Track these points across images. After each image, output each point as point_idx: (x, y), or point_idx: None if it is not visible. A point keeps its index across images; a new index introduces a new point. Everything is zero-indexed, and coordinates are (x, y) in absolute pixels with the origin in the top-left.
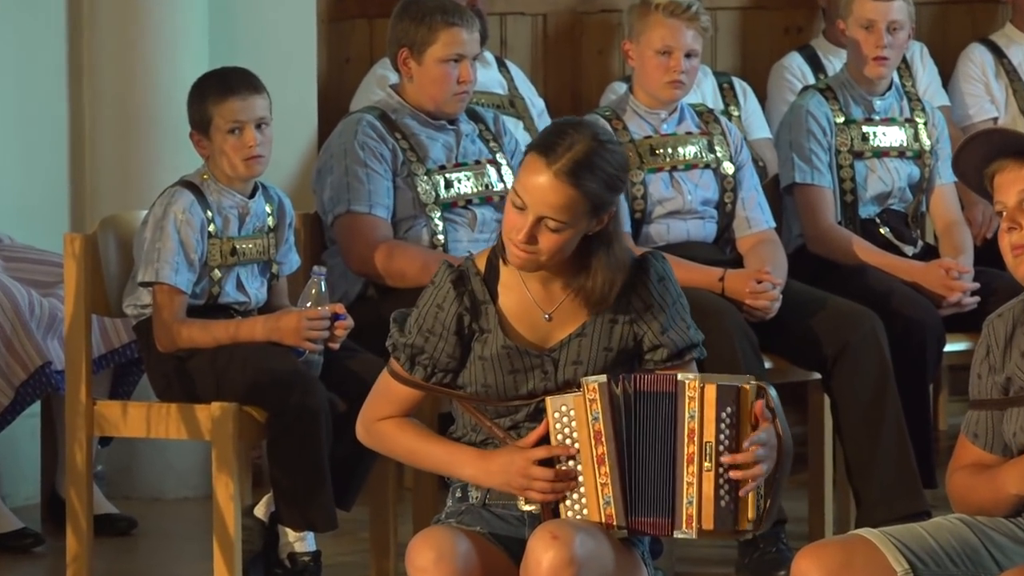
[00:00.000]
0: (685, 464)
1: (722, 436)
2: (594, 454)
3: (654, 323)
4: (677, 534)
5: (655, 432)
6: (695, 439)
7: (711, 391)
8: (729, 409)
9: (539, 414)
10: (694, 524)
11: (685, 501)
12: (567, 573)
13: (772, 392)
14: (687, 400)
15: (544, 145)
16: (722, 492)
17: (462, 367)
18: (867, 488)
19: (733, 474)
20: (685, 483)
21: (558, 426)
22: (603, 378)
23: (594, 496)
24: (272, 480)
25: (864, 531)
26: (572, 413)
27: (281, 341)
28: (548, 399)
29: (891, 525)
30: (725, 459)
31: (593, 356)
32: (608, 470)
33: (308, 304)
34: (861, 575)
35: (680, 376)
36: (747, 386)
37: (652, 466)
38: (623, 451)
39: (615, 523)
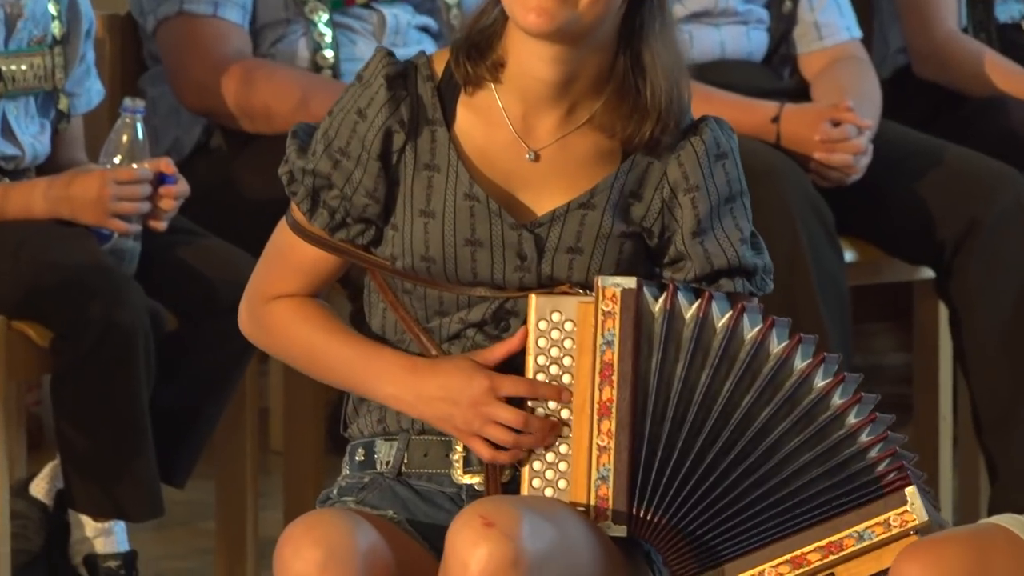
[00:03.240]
0: (787, 550)
1: None
2: (596, 398)
3: (690, 218)
4: None
5: (785, 427)
6: (831, 555)
7: (910, 542)
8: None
9: (505, 318)
10: None
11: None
12: None
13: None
14: (885, 521)
15: None
16: None
17: (385, 222)
18: (1007, 452)
19: None
20: (766, 566)
21: (542, 343)
22: (631, 281)
23: (584, 463)
24: (59, 440)
25: (1004, 519)
26: (569, 326)
27: (74, 218)
28: (534, 296)
29: None
30: None
31: (601, 242)
32: (614, 428)
33: (117, 159)
34: None
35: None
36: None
37: (721, 471)
38: (646, 403)
39: (610, 508)
